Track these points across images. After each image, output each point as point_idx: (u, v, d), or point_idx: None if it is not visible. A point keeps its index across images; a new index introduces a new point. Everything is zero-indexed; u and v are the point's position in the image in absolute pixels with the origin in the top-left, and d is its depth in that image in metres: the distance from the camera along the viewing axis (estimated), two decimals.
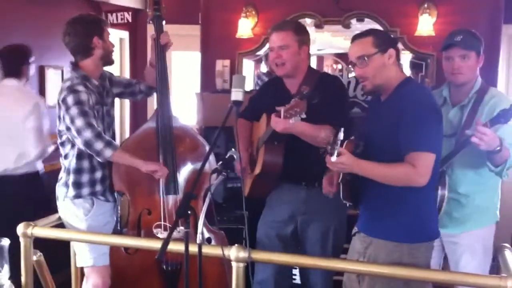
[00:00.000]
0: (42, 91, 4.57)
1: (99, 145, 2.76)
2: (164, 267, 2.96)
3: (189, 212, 2.11)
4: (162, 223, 2.95)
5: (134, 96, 3.24)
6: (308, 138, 2.68)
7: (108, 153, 2.78)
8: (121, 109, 6.09)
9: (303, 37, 2.86)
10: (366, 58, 2.38)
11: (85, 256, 2.94)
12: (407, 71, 5.59)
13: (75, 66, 2.93)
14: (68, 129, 2.82)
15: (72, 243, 3.03)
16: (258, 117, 3.00)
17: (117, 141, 3.16)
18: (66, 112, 2.79)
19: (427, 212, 2.44)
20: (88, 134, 2.74)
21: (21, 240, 2.65)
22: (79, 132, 2.76)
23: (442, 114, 2.44)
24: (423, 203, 2.40)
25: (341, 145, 2.25)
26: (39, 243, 2.77)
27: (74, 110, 2.76)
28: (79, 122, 2.75)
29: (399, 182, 2.31)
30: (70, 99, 2.78)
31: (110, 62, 3.02)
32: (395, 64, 2.45)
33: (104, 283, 2.94)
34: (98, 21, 2.97)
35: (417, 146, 2.29)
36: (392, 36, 2.51)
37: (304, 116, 2.37)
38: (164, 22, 3.09)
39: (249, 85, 4.65)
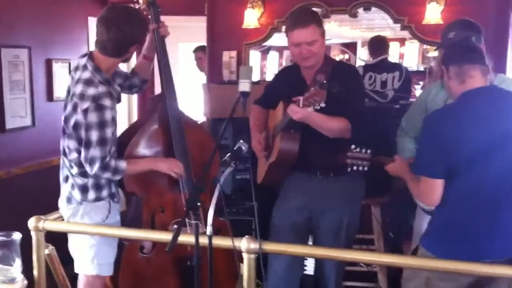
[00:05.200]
0: (49, 84, 4.58)
1: (107, 175, 2.65)
2: (189, 263, 2.87)
3: (198, 204, 2.12)
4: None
5: (131, 90, 3.06)
6: (324, 130, 2.68)
7: (118, 177, 2.72)
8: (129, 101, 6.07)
9: (323, 28, 2.84)
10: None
11: (88, 263, 2.79)
12: (415, 60, 5.60)
13: (96, 66, 2.65)
14: (79, 143, 2.62)
15: (71, 250, 2.87)
16: (273, 105, 2.99)
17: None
18: (85, 129, 2.56)
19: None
20: (96, 167, 2.59)
21: (33, 234, 2.65)
22: (90, 161, 2.60)
23: (440, 132, 2.27)
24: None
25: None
26: (50, 236, 2.78)
27: (93, 135, 2.55)
28: (93, 151, 2.58)
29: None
30: (93, 117, 2.54)
31: (127, 60, 2.86)
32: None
33: None
34: (146, 32, 2.74)
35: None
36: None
37: (323, 105, 2.37)
38: (159, 10, 2.94)
39: (256, 76, 4.64)
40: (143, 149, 2.89)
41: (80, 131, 2.58)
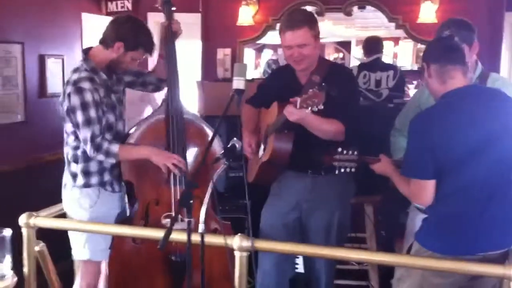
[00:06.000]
0: (41, 80, 4.54)
1: (100, 156, 2.74)
2: (174, 258, 2.89)
3: (191, 201, 2.11)
4: (173, 213, 2.87)
5: (145, 87, 3.15)
6: (319, 132, 2.66)
7: (111, 161, 2.79)
8: None
9: (316, 30, 2.79)
10: None
11: (80, 248, 2.88)
12: (409, 60, 5.61)
13: (86, 56, 2.81)
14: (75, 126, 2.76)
15: (70, 237, 2.94)
16: (266, 105, 2.98)
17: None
18: (72, 112, 2.71)
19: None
20: (89, 148, 2.71)
21: (24, 230, 2.64)
22: (84, 142, 2.74)
23: (427, 134, 2.27)
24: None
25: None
26: (41, 232, 2.76)
27: (79, 117, 2.69)
28: (84, 132, 2.70)
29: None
30: (75, 99, 2.68)
31: (114, 70, 2.91)
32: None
33: (96, 284, 2.92)
34: (140, 40, 2.80)
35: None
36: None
37: (321, 107, 2.35)
38: (174, 8, 3.01)
39: (250, 74, 4.63)
40: (144, 139, 2.92)
41: (70, 115, 2.73)
